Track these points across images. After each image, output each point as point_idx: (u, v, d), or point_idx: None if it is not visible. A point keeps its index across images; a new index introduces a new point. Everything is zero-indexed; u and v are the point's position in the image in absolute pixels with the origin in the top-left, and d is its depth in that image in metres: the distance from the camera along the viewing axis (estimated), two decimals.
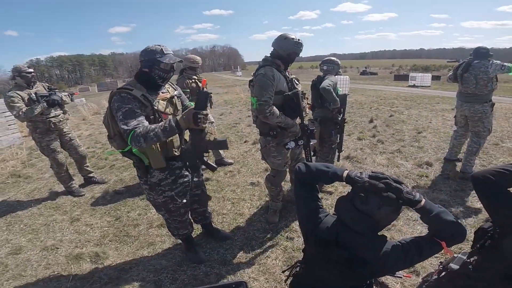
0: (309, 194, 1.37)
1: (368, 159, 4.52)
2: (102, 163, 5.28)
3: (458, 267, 1.39)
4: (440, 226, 1.14)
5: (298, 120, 2.58)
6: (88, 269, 2.52)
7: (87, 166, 4.28)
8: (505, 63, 3.47)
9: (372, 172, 1.21)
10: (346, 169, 1.26)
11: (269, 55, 2.50)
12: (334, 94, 3.16)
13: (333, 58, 3.43)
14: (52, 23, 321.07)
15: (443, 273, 1.47)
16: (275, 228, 2.86)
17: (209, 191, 3.74)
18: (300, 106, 2.49)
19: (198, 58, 4.36)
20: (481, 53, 3.62)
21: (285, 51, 2.43)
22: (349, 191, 1.23)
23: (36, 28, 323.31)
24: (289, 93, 2.45)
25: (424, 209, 1.16)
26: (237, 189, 3.76)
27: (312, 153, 2.89)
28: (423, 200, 1.16)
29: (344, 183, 1.26)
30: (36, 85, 3.72)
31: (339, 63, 3.45)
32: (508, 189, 1.17)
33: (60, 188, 4.13)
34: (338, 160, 3.74)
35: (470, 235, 1.69)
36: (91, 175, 4.31)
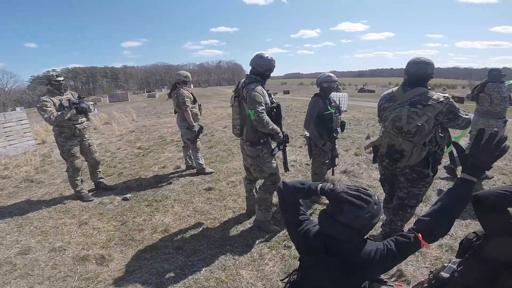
0: (292, 210, 1.41)
1: (364, 174, 4.54)
2: (111, 170, 5.37)
3: (448, 275, 1.40)
4: (421, 219, 1.21)
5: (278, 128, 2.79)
6: (93, 270, 2.56)
7: (99, 172, 4.36)
8: (508, 83, 3.79)
9: (347, 185, 1.22)
10: (320, 183, 1.29)
11: (249, 73, 2.73)
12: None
13: (331, 75, 3.47)
14: (69, 36, 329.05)
15: (433, 281, 1.47)
16: (273, 236, 2.88)
17: (211, 200, 3.81)
18: (281, 116, 2.80)
19: (189, 73, 4.73)
20: (494, 75, 3.95)
21: (262, 68, 2.69)
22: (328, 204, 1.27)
23: (54, 40, 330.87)
24: (274, 105, 2.73)
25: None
26: (239, 198, 3.78)
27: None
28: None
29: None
30: (66, 93, 3.86)
31: (336, 80, 3.49)
32: (508, 209, 1.17)
33: (70, 193, 4.20)
34: (332, 175, 3.75)
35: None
36: (101, 180, 4.38)
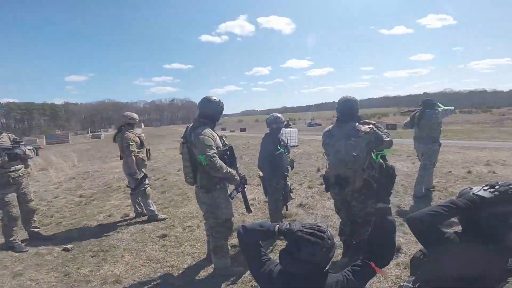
0: (254, 251, 1.45)
1: (318, 205, 4.77)
2: (47, 220, 4.90)
3: None
4: (367, 250, 1.32)
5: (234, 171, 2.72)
6: None
7: (34, 221, 3.96)
8: (445, 108, 4.48)
9: (302, 224, 1.31)
10: (278, 224, 1.36)
11: (197, 116, 2.71)
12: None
13: (279, 115, 3.67)
14: (4, 70, 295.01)
15: None
16: (239, 278, 2.82)
17: (167, 247, 3.63)
18: (235, 158, 2.74)
19: (136, 115, 4.58)
20: (429, 103, 4.58)
21: (210, 111, 2.69)
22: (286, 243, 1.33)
23: None
24: (226, 147, 2.69)
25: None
26: (197, 243, 3.66)
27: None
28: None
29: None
30: (1, 136, 3.50)
31: (283, 120, 3.69)
32: (439, 226, 1.35)
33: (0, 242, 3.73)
34: (286, 210, 3.89)
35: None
36: (36, 230, 3.96)
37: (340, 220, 2.99)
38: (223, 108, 2.78)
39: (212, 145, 2.47)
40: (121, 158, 4.51)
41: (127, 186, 4.43)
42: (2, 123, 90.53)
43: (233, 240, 3.65)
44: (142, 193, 4.47)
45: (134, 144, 4.23)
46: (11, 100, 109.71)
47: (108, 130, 55.55)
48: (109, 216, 4.94)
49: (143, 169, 4.43)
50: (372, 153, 2.56)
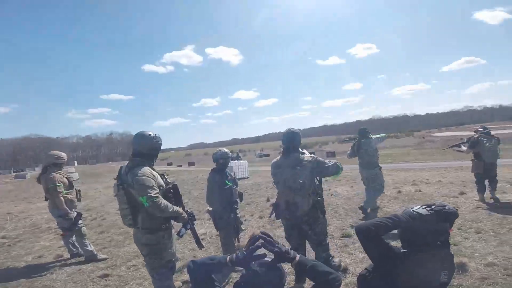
0: (205, 285, 1.41)
1: (269, 234, 4.92)
2: None
3: None
4: (316, 276, 1.29)
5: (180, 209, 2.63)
6: None
7: None
8: (378, 136, 5.16)
9: (250, 247, 1.32)
10: (229, 256, 1.35)
11: (132, 155, 2.52)
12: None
13: (225, 150, 3.76)
14: None
15: None
16: None
17: (110, 287, 3.43)
18: (180, 196, 2.65)
19: (64, 154, 4.37)
20: (364, 132, 5.19)
21: (146, 148, 2.51)
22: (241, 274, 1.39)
23: None
24: (170, 185, 2.57)
25: (299, 264, 1.29)
26: (145, 282, 3.48)
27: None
28: (297, 256, 1.31)
29: None
30: None
31: (230, 155, 3.77)
32: (383, 236, 1.50)
33: None
34: (239, 242, 3.96)
35: None
36: None
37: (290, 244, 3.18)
38: (160, 144, 2.61)
39: (153, 185, 2.32)
40: (46, 200, 4.22)
41: (58, 227, 4.18)
42: None
43: (184, 276, 3.57)
44: (77, 233, 4.22)
45: (62, 185, 4.04)
46: None
47: (35, 169, 48.34)
48: (39, 257, 4.55)
49: (73, 210, 4.23)
50: (323, 179, 2.96)
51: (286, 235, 3.14)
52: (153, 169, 2.51)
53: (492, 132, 5.54)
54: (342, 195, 7.15)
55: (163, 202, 2.34)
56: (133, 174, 2.33)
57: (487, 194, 5.51)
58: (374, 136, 5.35)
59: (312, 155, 2.92)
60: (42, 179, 4.10)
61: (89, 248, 4.28)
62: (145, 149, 2.50)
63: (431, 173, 10.05)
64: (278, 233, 4.88)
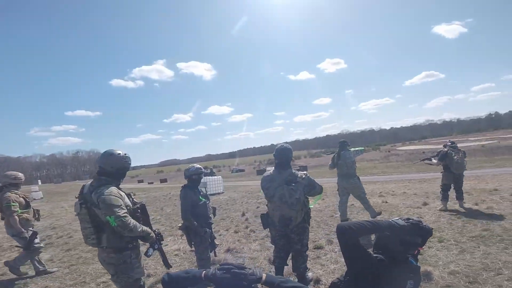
0: None
1: (245, 248, 4.93)
2: None
3: None
4: None
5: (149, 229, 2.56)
6: None
7: None
8: (356, 149, 5.62)
9: (220, 265, 1.37)
10: (204, 270, 1.37)
11: (97, 174, 2.42)
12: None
13: (194, 168, 3.74)
14: None
15: None
16: None
17: None
18: (148, 216, 2.60)
19: (21, 174, 4.45)
20: (344, 145, 5.56)
21: (113, 167, 2.40)
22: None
23: None
24: (137, 205, 2.51)
25: (267, 283, 1.34)
26: None
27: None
28: (264, 276, 1.36)
29: None
30: None
31: (196, 171, 3.68)
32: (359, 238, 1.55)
33: None
34: (215, 256, 3.94)
35: None
36: None
37: (274, 250, 3.37)
38: (129, 164, 2.51)
39: (121, 205, 2.25)
40: (2, 219, 4.23)
41: (16, 246, 4.22)
42: None
43: None
44: (34, 251, 4.29)
45: (17, 204, 4.07)
46: None
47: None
48: (2, 275, 4.33)
49: (30, 228, 4.27)
50: (310, 200, 3.16)
51: (273, 240, 3.31)
52: (120, 189, 2.43)
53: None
54: (313, 208, 7.36)
55: (132, 222, 2.28)
56: (98, 194, 2.24)
57: (453, 204, 6.02)
58: (352, 149, 5.75)
59: (305, 172, 3.09)
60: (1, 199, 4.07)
61: (37, 264, 4.37)
62: (113, 168, 2.41)
63: (396, 185, 10.67)
64: (254, 247, 4.93)
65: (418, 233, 1.60)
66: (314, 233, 5.22)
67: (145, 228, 2.43)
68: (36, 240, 4.28)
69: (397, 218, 1.64)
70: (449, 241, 4.18)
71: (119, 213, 2.19)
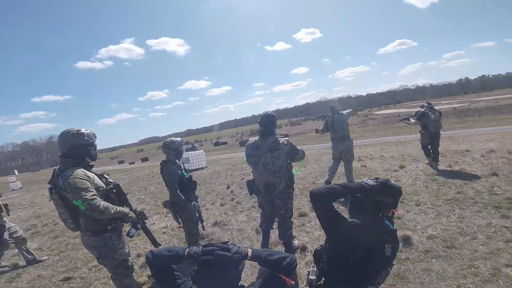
0: (166, 276, 1.41)
1: (232, 220, 4.99)
2: None
3: (315, 277, 1.70)
4: (271, 265, 1.35)
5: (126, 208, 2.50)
6: None
7: None
8: (347, 111, 5.83)
9: (203, 246, 1.35)
10: (187, 248, 1.37)
11: (61, 156, 2.30)
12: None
13: (168, 140, 3.58)
14: None
15: None
16: None
17: None
18: (125, 195, 2.52)
19: None
20: (335, 110, 5.69)
21: (68, 147, 2.28)
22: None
23: None
24: (111, 185, 2.43)
25: (254, 258, 1.35)
26: (109, 281, 3.28)
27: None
28: (249, 251, 1.36)
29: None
30: None
31: (177, 142, 3.51)
32: (333, 202, 1.55)
33: None
34: (204, 229, 3.94)
35: None
36: None
37: (261, 214, 3.48)
38: (92, 139, 2.37)
39: (88, 187, 2.13)
40: None
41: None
42: None
43: (149, 270, 3.49)
44: (18, 241, 4.26)
45: None
46: None
47: None
48: None
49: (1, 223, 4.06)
50: (294, 168, 3.20)
51: (259, 205, 3.42)
52: (89, 170, 2.31)
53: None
54: (296, 175, 7.47)
55: (102, 203, 2.16)
56: (64, 177, 2.14)
57: (428, 166, 6.36)
58: (344, 112, 5.85)
59: (287, 138, 3.05)
60: None
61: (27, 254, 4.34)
62: (73, 148, 2.27)
63: (374, 148, 10.97)
64: (241, 218, 4.99)
65: (388, 192, 1.61)
66: (297, 200, 5.34)
67: (120, 208, 2.34)
68: (5, 236, 4.02)
69: (367, 178, 1.65)
70: (426, 204, 4.32)
71: (86, 196, 2.08)
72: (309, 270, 1.75)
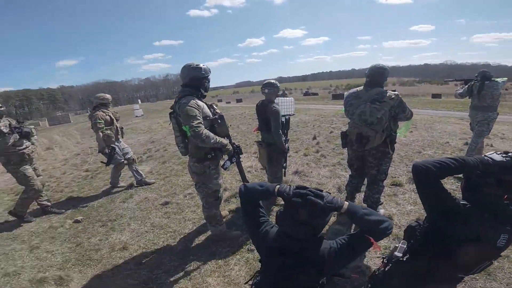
0: (252, 210, 1.43)
1: (313, 172, 4.85)
2: (58, 195, 4.99)
3: (401, 254, 1.50)
4: (366, 225, 1.21)
5: (226, 140, 2.61)
6: None
7: (43, 195, 4.11)
8: (503, 80, 4.66)
9: (296, 187, 1.28)
10: (278, 185, 1.33)
11: (182, 86, 2.56)
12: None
13: (272, 81, 3.41)
14: None
15: (389, 266, 1.55)
16: (236, 241, 2.93)
17: (169, 214, 3.77)
18: (227, 127, 2.64)
19: (108, 95, 4.73)
20: (487, 75, 4.65)
21: (186, 78, 2.51)
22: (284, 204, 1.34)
23: None
24: (216, 116, 2.57)
25: (349, 212, 1.23)
26: (198, 209, 3.76)
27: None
28: (346, 204, 1.24)
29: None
30: (3, 119, 3.59)
31: (278, 85, 3.41)
32: (441, 180, 1.28)
33: (16, 220, 3.89)
34: (284, 176, 3.87)
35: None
36: (47, 203, 4.12)
37: (349, 174, 3.25)
38: (203, 74, 2.53)
39: (196, 115, 2.34)
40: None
41: (101, 162, 4.67)
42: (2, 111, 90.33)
43: (231, 205, 3.78)
44: (118, 166, 4.79)
45: (103, 121, 4.40)
46: (7, 89, 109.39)
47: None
48: (114, 187, 5.05)
49: (112, 145, 4.59)
50: (398, 131, 2.86)
51: (348, 163, 3.16)
52: (201, 100, 2.51)
53: None
54: (398, 140, 6.53)
55: (204, 132, 2.35)
56: (180, 104, 2.39)
57: None
58: (499, 79, 4.66)
59: (396, 93, 2.64)
60: (89, 117, 4.61)
61: (115, 180, 4.92)
62: (186, 78, 2.50)
63: (509, 127, 8.44)
64: (323, 173, 4.79)
65: None
66: (394, 167, 4.71)
67: (219, 139, 2.48)
68: (116, 155, 4.61)
69: (492, 152, 1.29)
70: None
71: (193, 123, 2.30)
72: (397, 245, 1.55)
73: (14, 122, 3.70)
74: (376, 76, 2.73)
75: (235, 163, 2.72)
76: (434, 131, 7.48)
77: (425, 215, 1.46)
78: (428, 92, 33.61)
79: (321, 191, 1.26)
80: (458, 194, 1.43)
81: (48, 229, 3.63)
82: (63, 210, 4.16)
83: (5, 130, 3.44)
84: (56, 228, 3.64)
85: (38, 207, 4.12)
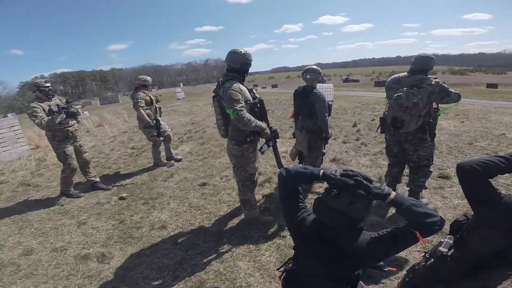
0: (291, 196, 1.38)
1: (353, 161, 4.58)
2: (106, 171, 5.30)
3: (446, 249, 1.41)
4: (413, 217, 1.11)
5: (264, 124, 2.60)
6: (95, 268, 2.56)
7: (91, 171, 4.37)
8: None
9: (344, 170, 1.20)
10: (322, 169, 1.26)
11: (226, 70, 2.57)
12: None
13: (314, 67, 3.33)
14: (55, 42, 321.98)
15: (431, 260, 1.47)
16: (268, 227, 2.89)
17: (206, 195, 3.80)
18: (266, 112, 2.64)
19: (149, 78, 4.94)
20: None
21: (237, 64, 2.53)
22: (323, 191, 1.24)
23: (39, 47, 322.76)
24: (256, 100, 2.58)
25: (395, 202, 1.14)
26: (233, 192, 3.77)
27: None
28: (393, 193, 1.15)
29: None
30: (54, 98, 3.88)
31: (320, 71, 3.33)
32: (490, 180, 1.19)
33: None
34: (322, 163, 3.72)
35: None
36: (95, 179, 4.37)
37: (388, 163, 3.17)
38: (250, 60, 2.58)
39: (239, 99, 2.37)
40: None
41: (151, 137, 4.90)
42: (61, 90, 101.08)
43: (265, 190, 3.72)
44: (166, 138, 5.12)
45: (143, 101, 4.64)
46: (64, 70, 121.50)
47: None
48: (157, 165, 5.21)
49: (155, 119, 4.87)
50: (441, 110, 2.73)
51: (386, 150, 3.12)
52: (242, 84, 2.54)
53: None
54: (447, 130, 5.91)
55: (247, 115, 2.38)
56: (224, 88, 2.43)
57: None
58: None
59: (438, 80, 2.56)
60: (131, 97, 4.88)
61: (157, 156, 5.15)
62: (237, 65, 2.53)
63: None
64: (363, 161, 4.51)
65: None
66: (442, 159, 4.28)
67: (259, 123, 2.50)
68: (163, 126, 4.98)
69: None
70: None
71: (236, 107, 2.34)
72: (442, 240, 1.46)
73: (63, 101, 3.94)
74: (421, 63, 2.65)
75: (271, 147, 2.71)
76: (488, 122, 6.61)
77: None
78: (483, 81, 30.42)
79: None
80: None
81: (95, 205, 3.84)
82: (110, 187, 4.39)
83: (54, 109, 3.71)
84: (103, 205, 3.84)
85: (88, 182, 4.38)
